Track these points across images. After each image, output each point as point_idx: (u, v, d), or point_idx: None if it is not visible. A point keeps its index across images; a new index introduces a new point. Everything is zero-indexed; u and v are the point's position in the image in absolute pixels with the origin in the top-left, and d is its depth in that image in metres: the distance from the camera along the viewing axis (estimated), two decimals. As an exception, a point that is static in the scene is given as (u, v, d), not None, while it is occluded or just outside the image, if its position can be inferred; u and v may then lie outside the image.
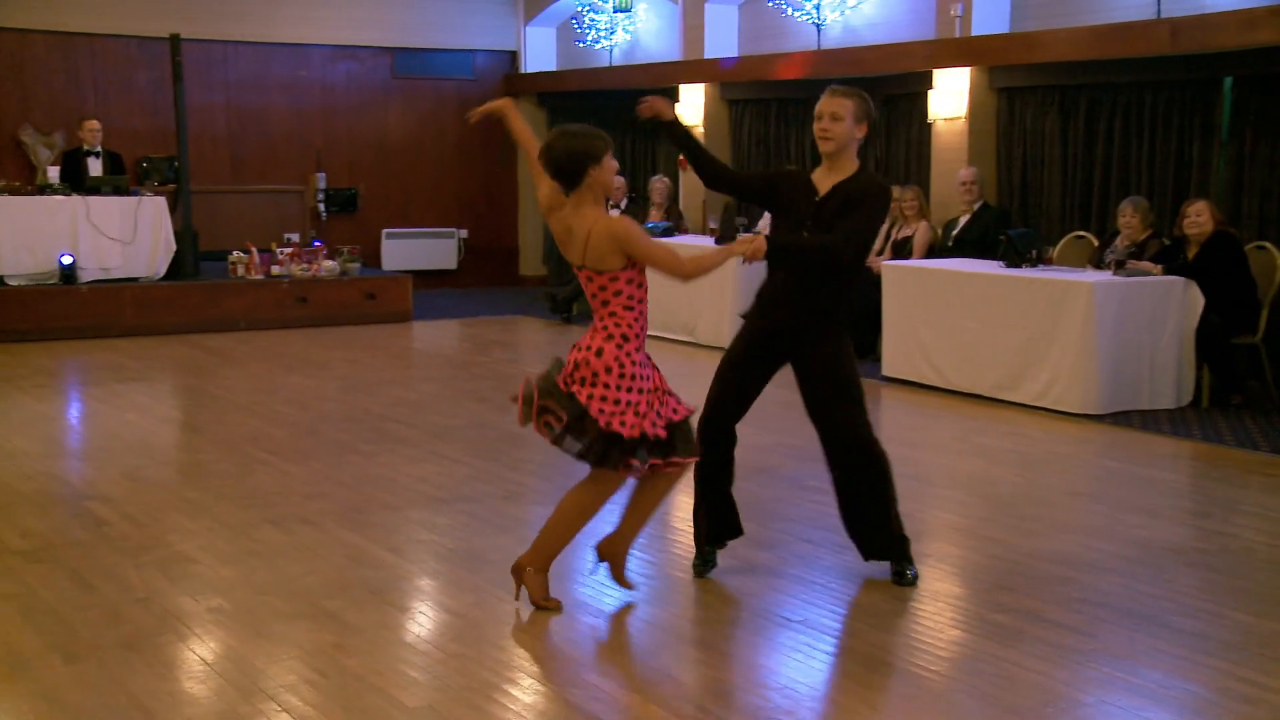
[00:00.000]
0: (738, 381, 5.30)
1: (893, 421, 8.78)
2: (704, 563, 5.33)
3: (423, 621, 4.84)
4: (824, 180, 5.17)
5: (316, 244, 13.56)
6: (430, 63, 15.89)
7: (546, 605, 4.86)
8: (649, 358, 4.89)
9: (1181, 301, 8.43)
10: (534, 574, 4.87)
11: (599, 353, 4.73)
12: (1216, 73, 9.50)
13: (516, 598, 4.91)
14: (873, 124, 5.25)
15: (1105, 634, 4.65)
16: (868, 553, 5.22)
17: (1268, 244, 8.93)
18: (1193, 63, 9.48)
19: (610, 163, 4.78)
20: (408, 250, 15.72)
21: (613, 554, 5.06)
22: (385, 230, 15.66)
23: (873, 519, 5.16)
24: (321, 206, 15.30)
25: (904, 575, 5.15)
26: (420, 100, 15.90)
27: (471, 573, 5.32)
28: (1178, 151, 9.82)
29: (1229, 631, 4.67)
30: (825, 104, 5.20)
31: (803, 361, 5.19)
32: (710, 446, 5.21)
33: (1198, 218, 8.59)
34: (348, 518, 6.07)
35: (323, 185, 15.30)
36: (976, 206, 10.47)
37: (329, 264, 12.98)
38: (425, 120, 15.93)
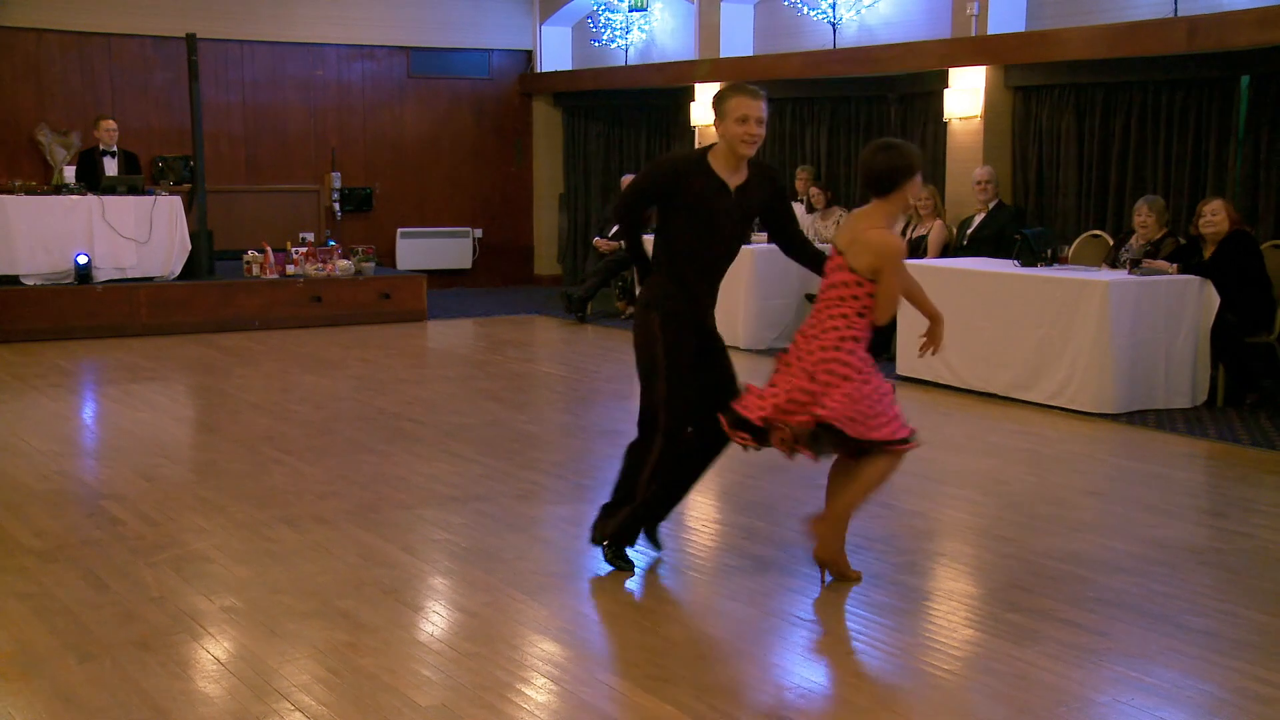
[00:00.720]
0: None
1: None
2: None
3: (436, 620, 4.85)
4: (725, 172, 5.15)
5: (331, 243, 13.60)
6: (446, 62, 15.92)
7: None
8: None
9: (1197, 301, 8.40)
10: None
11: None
12: (1233, 71, 9.46)
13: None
14: None
15: (1119, 633, 4.63)
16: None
17: (1284, 243, 8.90)
18: (1209, 61, 9.44)
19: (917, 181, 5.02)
20: (422, 250, 15.75)
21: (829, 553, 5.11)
22: (400, 230, 15.69)
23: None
24: (336, 206, 15.34)
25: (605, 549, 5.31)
26: (436, 99, 15.93)
27: (485, 572, 5.33)
28: (1194, 150, 9.78)
29: (1245, 631, 4.65)
30: (757, 108, 5.11)
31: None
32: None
33: (1213, 217, 8.55)
34: (362, 516, 6.08)
35: (338, 185, 15.34)
36: (992, 205, 10.44)
37: (344, 263, 13.01)
38: (441, 119, 15.96)
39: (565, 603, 5.02)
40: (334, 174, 15.32)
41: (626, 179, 13.71)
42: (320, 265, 12.87)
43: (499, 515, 6.14)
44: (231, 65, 14.79)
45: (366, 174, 15.61)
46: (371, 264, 13.28)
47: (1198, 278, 8.41)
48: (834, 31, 12.46)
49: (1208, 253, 8.61)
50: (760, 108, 5.10)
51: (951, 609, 4.97)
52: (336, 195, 15.34)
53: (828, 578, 5.14)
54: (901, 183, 4.93)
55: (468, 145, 16.12)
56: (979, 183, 10.46)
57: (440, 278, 15.39)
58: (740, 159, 5.14)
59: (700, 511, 6.55)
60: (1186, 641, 4.55)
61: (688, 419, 5.24)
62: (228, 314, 12.31)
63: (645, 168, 5.38)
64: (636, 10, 14.83)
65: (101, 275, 11.95)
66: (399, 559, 5.50)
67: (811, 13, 12.55)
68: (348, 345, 11.53)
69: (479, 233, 16.21)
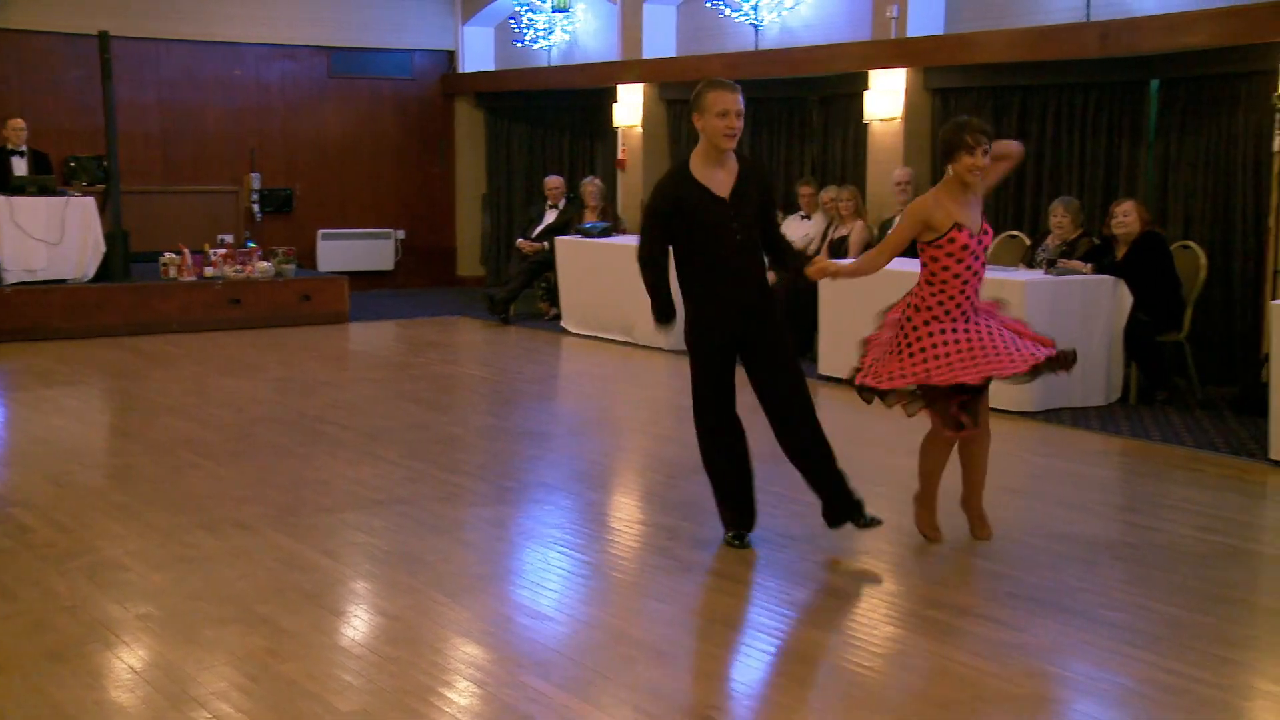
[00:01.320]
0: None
1: (829, 420, 8.78)
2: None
3: (357, 625, 4.80)
4: (714, 178, 5.28)
5: (251, 245, 13.42)
6: (367, 62, 15.78)
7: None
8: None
9: (1111, 300, 8.55)
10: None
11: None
12: (1144, 75, 9.65)
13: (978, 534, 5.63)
14: None
15: (1036, 628, 4.70)
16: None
17: (1192, 243, 9.09)
18: (1121, 65, 9.63)
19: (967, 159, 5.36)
20: (344, 251, 15.60)
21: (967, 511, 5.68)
22: (321, 231, 15.53)
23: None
24: (256, 207, 15.15)
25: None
26: (357, 100, 15.79)
27: (407, 575, 5.29)
28: (1107, 152, 9.96)
29: (1155, 624, 4.75)
30: (735, 101, 5.26)
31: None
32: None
33: (1125, 218, 8.72)
34: (282, 521, 6.01)
35: (257, 185, 15.14)
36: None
37: (263, 265, 12.85)
38: (362, 120, 15.82)
39: (488, 605, 4.99)
40: (253, 175, 15.12)
41: (551, 180, 13.71)
42: (239, 267, 12.70)
43: (421, 518, 6.10)
44: (147, 64, 14.54)
45: (287, 175, 15.43)
46: (292, 266, 13.13)
47: (1111, 278, 8.57)
48: (756, 33, 12.53)
49: (1120, 253, 8.77)
50: (738, 101, 5.25)
51: (873, 606, 5.02)
52: (256, 196, 15.14)
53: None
54: (949, 155, 5.37)
55: (390, 146, 16.00)
56: (899, 183, 10.57)
57: (362, 279, 15.25)
58: (722, 154, 5.27)
59: (624, 513, 6.56)
60: (1100, 635, 4.63)
61: (717, 414, 5.51)
62: (144, 317, 12.10)
63: (647, 209, 5.52)
64: (559, 11, 14.80)
65: (11, 278, 11.68)
66: (320, 563, 5.44)
67: (733, 14, 12.61)
68: (267, 348, 11.40)
69: (401, 234, 16.10)
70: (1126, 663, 4.37)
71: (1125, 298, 8.52)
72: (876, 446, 7.80)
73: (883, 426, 8.32)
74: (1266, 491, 6.69)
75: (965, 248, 5.40)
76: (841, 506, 5.56)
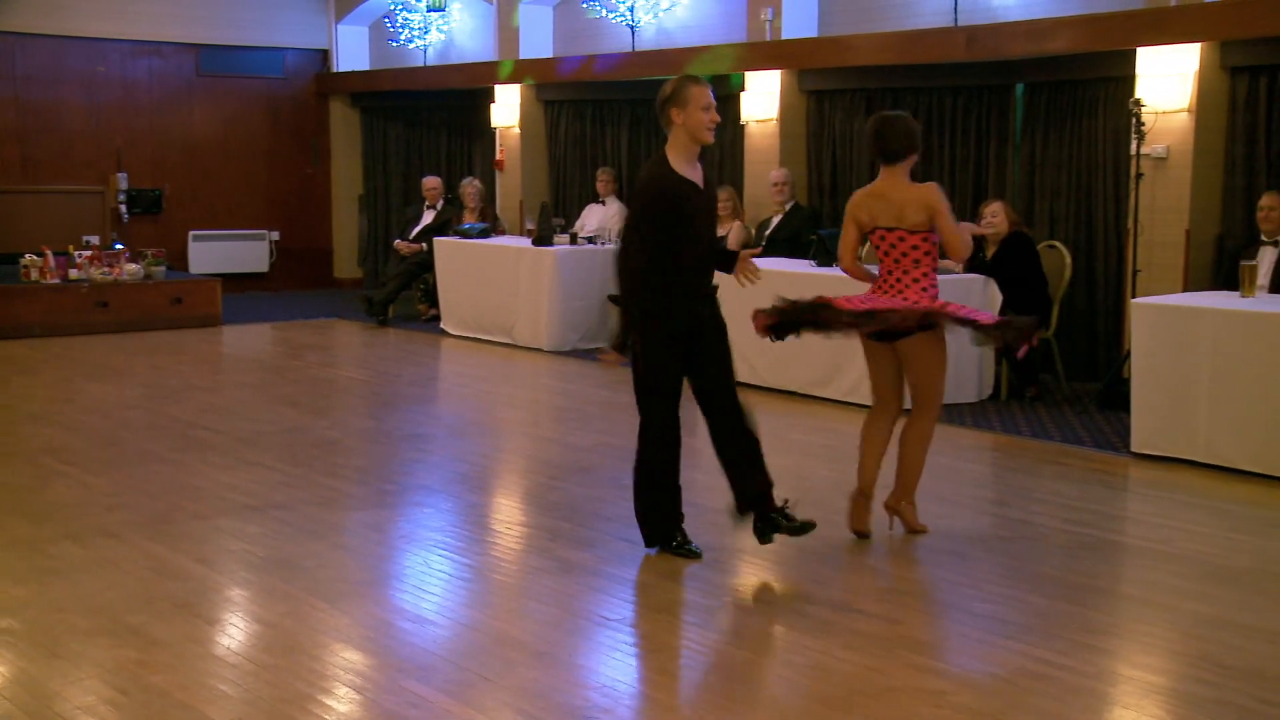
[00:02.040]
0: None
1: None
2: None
3: (233, 633, 4.71)
4: (693, 172, 5.46)
5: (118, 246, 13.07)
6: (238, 61, 15.47)
7: (921, 529, 5.78)
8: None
9: (981, 298, 8.74)
10: (909, 506, 5.79)
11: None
12: (1009, 79, 9.90)
13: (890, 528, 5.78)
14: None
15: (911, 621, 4.79)
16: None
17: (1058, 243, 9.35)
18: (987, 69, 9.87)
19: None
20: (216, 253, 15.28)
21: (897, 507, 5.80)
22: (192, 232, 15.18)
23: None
24: (123, 208, 14.75)
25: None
26: (228, 99, 15.47)
27: (284, 581, 5.20)
28: (975, 154, 10.20)
29: (1025, 614, 4.87)
30: (711, 95, 5.43)
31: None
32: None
33: (993, 218, 8.94)
34: (152, 529, 5.87)
35: (124, 186, 14.74)
36: (788, 207, 10.69)
37: (132, 267, 12.53)
38: (234, 119, 15.51)
39: (368, 610, 4.94)
40: (120, 174, 14.73)
41: (429, 180, 13.59)
42: (106, 269, 12.36)
43: (299, 523, 6.00)
44: (3, 58, 14.07)
45: (155, 175, 15.05)
46: (162, 267, 12.82)
47: (981, 277, 8.77)
48: (633, 34, 12.57)
49: (989, 253, 8.99)
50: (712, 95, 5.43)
51: (752, 603, 5.07)
52: (123, 196, 14.75)
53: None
54: (914, 149, 5.63)
55: (262, 146, 15.71)
56: (775, 184, 10.69)
57: (236, 281, 14.95)
58: (698, 147, 5.42)
59: (504, 515, 6.53)
60: (973, 626, 4.74)
61: (665, 408, 5.42)
62: (4, 321, 11.70)
63: (640, 212, 5.39)
64: (434, 11, 14.68)
65: None
66: (193, 571, 5.33)
67: (610, 15, 12.64)
68: (137, 352, 11.12)
69: (276, 235, 15.82)
70: (998, 653, 4.48)
71: (995, 296, 8.73)
72: (792, 454, 7.87)
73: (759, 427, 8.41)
74: (1129, 484, 6.91)
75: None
76: (755, 500, 5.50)
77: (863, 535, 5.75)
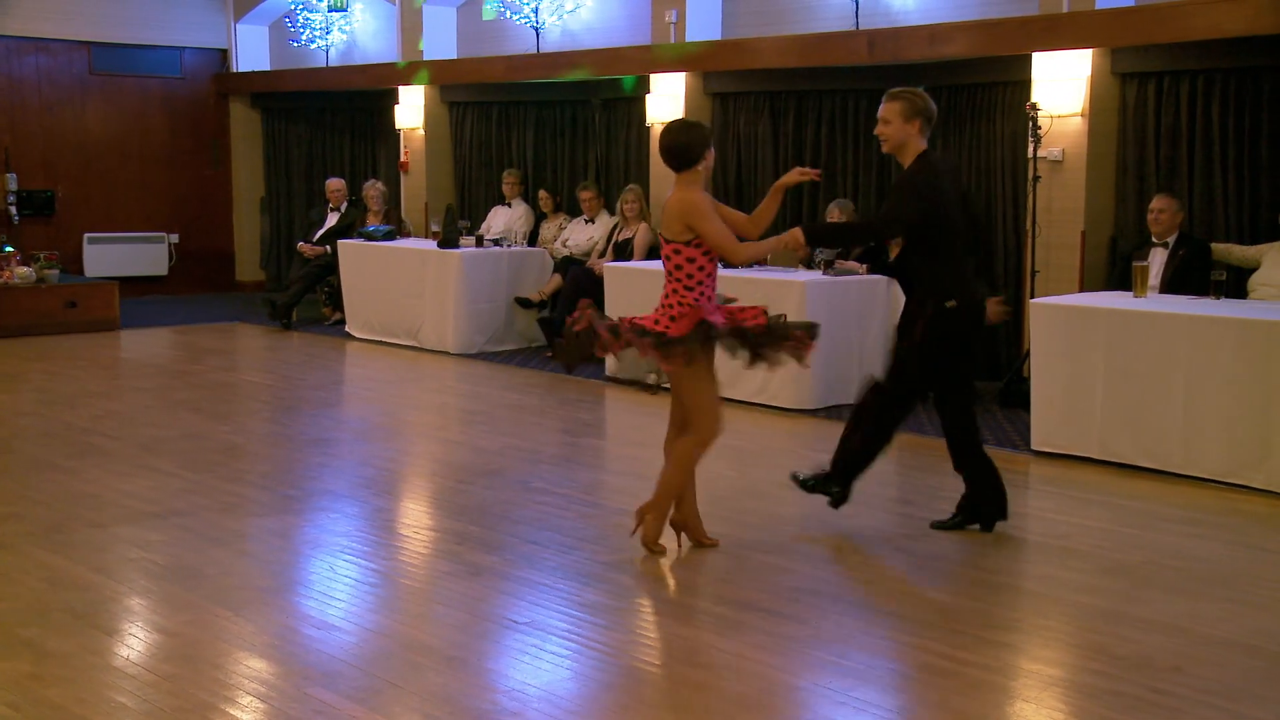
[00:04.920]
0: None
1: (616, 421, 8.92)
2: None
3: (132, 644, 4.61)
4: None
5: (8, 249, 12.73)
6: (133, 59, 15.17)
7: (657, 549, 5.50)
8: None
9: (885, 299, 8.86)
10: (655, 520, 5.50)
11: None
12: (910, 82, 9.98)
13: (633, 534, 5.57)
14: (928, 119, 5.72)
15: (818, 620, 4.84)
16: None
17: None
18: (889, 73, 9.98)
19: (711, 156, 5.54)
20: (113, 255, 14.96)
21: (684, 522, 5.63)
22: (87, 235, 14.84)
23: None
24: (13, 209, 14.37)
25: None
26: (123, 98, 15.16)
27: (186, 589, 5.11)
28: (879, 157, 10.32)
29: (928, 611, 4.95)
30: (880, 109, 5.70)
31: None
32: None
33: (897, 219, 9.04)
34: (46, 538, 5.73)
35: (14, 186, 14.36)
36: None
37: (23, 270, 12.22)
38: (130, 119, 15.20)
39: (272, 617, 4.87)
40: (9, 175, 14.34)
41: (332, 182, 13.43)
42: (-3, 273, 12.05)
43: (201, 530, 5.90)
44: (-117, 55, 13.67)
45: (46, 176, 14.68)
46: (55, 271, 12.52)
47: (885, 278, 8.88)
48: (537, 36, 12.54)
49: (894, 254, 9.09)
50: (883, 108, 5.81)
51: (661, 605, 5.08)
52: (13, 198, 14.36)
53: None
54: (690, 159, 5.43)
55: (160, 146, 15.41)
56: (683, 186, 10.72)
57: (134, 285, 14.65)
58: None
59: (411, 519, 6.49)
60: (878, 624, 4.80)
61: None
62: (-110, 326, 11.37)
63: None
64: (336, 10, 14.51)
65: None
66: (90, 581, 5.21)
67: (515, 17, 12.60)
68: (29, 357, 10.84)
69: (175, 238, 15.52)
70: (902, 649, 4.55)
71: (898, 297, 8.83)
72: (661, 448, 7.90)
73: (665, 429, 8.43)
74: (1029, 481, 7.05)
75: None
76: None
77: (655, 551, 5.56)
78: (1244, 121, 8.37)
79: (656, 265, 9.88)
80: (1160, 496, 6.56)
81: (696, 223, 5.32)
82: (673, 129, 5.56)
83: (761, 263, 8.70)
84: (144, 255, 15.25)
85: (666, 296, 5.45)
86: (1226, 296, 7.30)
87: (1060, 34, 8.68)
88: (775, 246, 5.82)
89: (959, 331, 5.71)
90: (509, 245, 11.49)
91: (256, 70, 15.65)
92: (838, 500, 5.97)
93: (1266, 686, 4.24)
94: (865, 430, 5.88)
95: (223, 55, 15.75)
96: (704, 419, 5.53)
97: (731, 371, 8.84)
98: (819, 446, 7.82)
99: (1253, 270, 7.93)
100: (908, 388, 5.86)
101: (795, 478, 6.07)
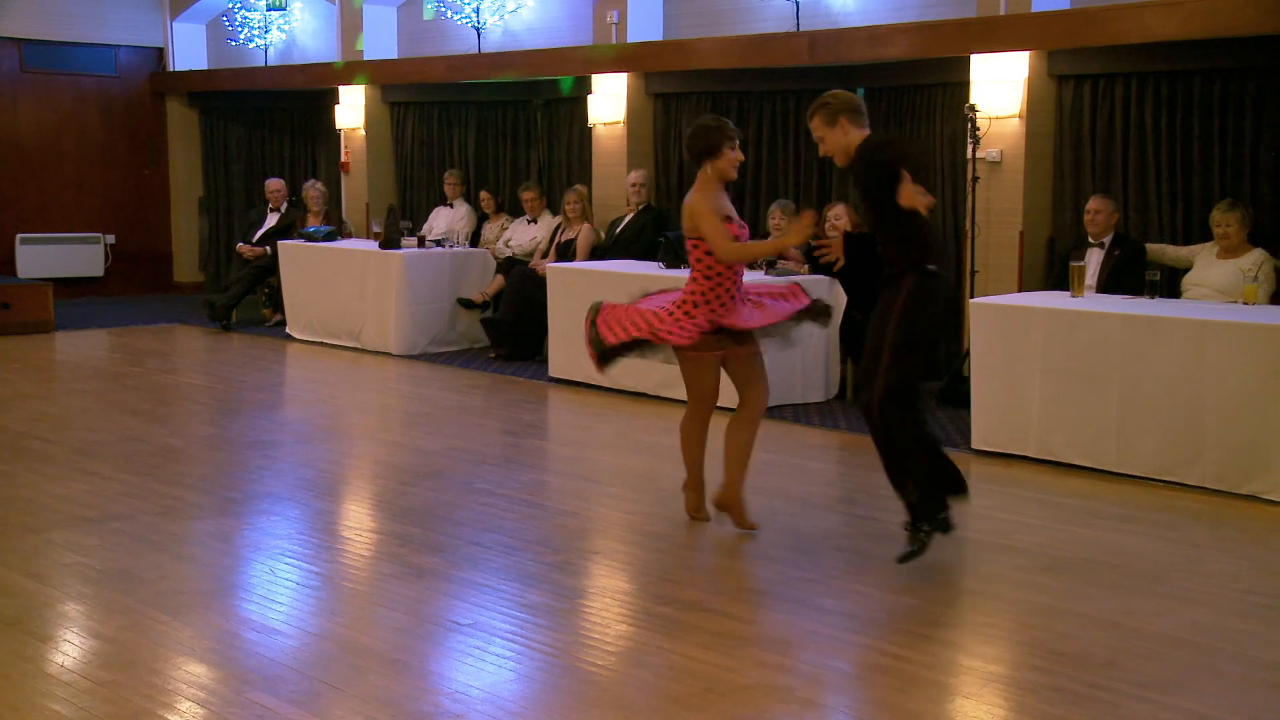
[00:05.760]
0: None
1: (559, 422, 8.91)
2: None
3: (67, 650, 4.55)
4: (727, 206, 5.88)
5: (-60, 250, 12.53)
6: (67, 57, 14.95)
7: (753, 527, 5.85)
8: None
9: (827, 299, 8.89)
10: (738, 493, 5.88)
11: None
12: (851, 83, 10.08)
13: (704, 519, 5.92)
14: (853, 111, 5.64)
15: (763, 619, 4.87)
16: None
17: (901, 245, 9.58)
18: (829, 74, 10.05)
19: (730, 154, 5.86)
20: (47, 256, 14.74)
21: (730, 502, 5.88)
22: (20, 235, 14.61)
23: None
24: (-56, 210, 14.15)
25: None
26: (57, 97, 14.94)
27: (124, 594, 5.05)
28: (819, 157, 10.36)
29: (870, 609, 4.99)
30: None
31: None
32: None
33: (837, 221, 9.12)
34: (-19, 545, 5.63)
35: (-56, 187, 14.15)
36: (640, 208, 10.75)
37: (-44, 272, 12.01)
38: (64, 118, 14.98)
39: (212, 622, 4.82)
40: (-61, 175, 14.13)
41: (272, 182, 13.31)
42: (-72, 274, 11.84)
43: (139, 534, 5.83)
44: None
45: (-23, 175, 14.46)
46: (-12, 272, 12.33)
47: (826, 278, 8.93)
48: (478, 36, 12.50)
49: (839, 264, 9.13)
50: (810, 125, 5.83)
51: (605, 605, 5.09)
52: (-57, 198, 14.15)
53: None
54: (697, 154, 5.80)
55: (95, 146, 15.20)
56: (634, 185, 10.75)
57: (69, 286, 14.45)
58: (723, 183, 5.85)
59: (353, 521, 6.44)
60: (823, 623, 4.83)
61: None
62: None
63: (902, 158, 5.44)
64: (275, 9, 14.38)
65: None
66: (23, 587, 5.13)
67: (456, 17, 12.55)
68: (-38, 360, 10.66)
69: (111, 239, 15.32)
70: (844, 648, 4.58)
71: (840, 297, 8.90)
72: (604, 448, 7.91)
73: (609, 429, 8.44)
74: (970, 480, 7.06)
75: (737, 239, 5.76)
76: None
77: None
78: (1175, 123, 8.51)
79: (599, 266, 9.92)
80: (1097, 494, 6.65)
81: (696, 220, 5.71)
82: (692, 124, 5.97)
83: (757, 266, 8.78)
84: (79, 256, 15.04)
85: (688, 284, 5.82)
86: (1161, 296, 7.42)
87: (998, 36, 8.78)
88: (769, 248, 6.31)
89: (941, 296, 5.50)
90: (451, 246, 11.44)
91: (194, 69, 15.47)
92: (945, 526, 5.45)
93: (1199, 679, 4.31)
94: (916, 449, 5.42)
95: (159, 54, 15.56)
96: (691, 394, 6.02)
97: (676, 371, 8.86)
98: (762, 445, 7.83)
99: (1186, 270, 8.06)
100: (906, 375, 5.39)
101: (906, 558, 5.38)
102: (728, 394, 6.07)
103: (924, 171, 5.75)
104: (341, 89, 13.37)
